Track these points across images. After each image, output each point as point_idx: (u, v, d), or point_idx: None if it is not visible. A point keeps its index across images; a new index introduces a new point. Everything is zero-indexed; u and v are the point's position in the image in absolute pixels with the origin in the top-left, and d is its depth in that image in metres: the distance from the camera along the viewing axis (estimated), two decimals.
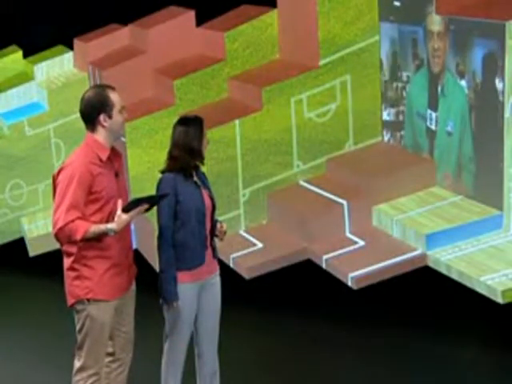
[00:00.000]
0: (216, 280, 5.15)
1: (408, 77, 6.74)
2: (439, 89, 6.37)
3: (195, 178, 5.01)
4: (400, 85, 6.85)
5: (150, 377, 5.73)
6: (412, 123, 6.76)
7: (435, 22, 6.25)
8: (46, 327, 7.22)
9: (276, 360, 6.44)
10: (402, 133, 6.91)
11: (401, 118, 6.91)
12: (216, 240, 5.14)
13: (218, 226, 5.09)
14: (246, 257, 6.48)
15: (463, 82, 6.04)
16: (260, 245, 6.59)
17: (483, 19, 5.77)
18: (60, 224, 4.52)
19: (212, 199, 5.07)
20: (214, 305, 5.14)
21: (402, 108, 6.89)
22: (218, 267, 5.17)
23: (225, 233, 5.12)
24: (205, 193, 5.03)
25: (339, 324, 6.88)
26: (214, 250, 5.10)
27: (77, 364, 4.81)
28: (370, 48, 6.86)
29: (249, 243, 6.63)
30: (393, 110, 6.94)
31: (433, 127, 6.50)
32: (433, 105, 6.48)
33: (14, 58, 9.23)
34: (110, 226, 4.55)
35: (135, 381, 5.29)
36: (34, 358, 6.64)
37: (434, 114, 6.47)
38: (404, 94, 6.82)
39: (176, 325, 5.00)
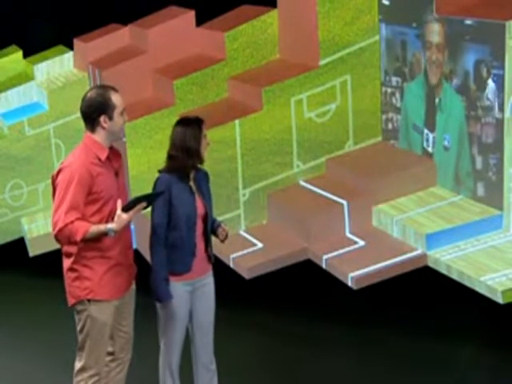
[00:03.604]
0: (209, 280, 5.14)
1: (398, 82, 6.74)
2: (436, 101, 6.36)
3: (191, 183, 5.00)
4: (389, 90, 6.85)
5: (150, 376, 5.74)
6: (407, 134, 6.75)
7: (434, 32, 6.23)
8: (46, 327, 7.22)
9: (276, 360, 6.44)
10: (392, 142, 6.91)
11: (390, 125, 6.91)
12: (214, 240, 5.12)
13: (220, 229, 5.07)
14: (245, 257, 6.48)
15: (458, 86, 6.06)
16: (260, 245, 6.59)
17: (482, 19, 5.77)
18: (60, 225, 4.51)
19: (205, 206, 5.03)
20: (207, 304, 5.13)
21: (391, 115, 6.89)
22: (210, 268, 5.15)
23: (226, 235, 5.11)
24: (199, 199, 5.00)
25: (339, 324, 6.88)
26: (209, 256, 5.08)
27: (78, 364, 4.81)
28: (370, 48, 6.86)
29: (249, 243, 6.62)
30: (382, 117, 6.95)
31: (429, 149, 6.49)
32: (430, 123, 6.46)
33: (14, 57, 9.23)
34: (110, 226, 4.55)
35: (134, 380, 5.29)
36: (34, 358, 6.63)
37: (430, 135, 6.46)
38: (393, 100, 6.82)
39: (169, 323, 5.01)
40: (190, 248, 4.96)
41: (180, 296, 4.97)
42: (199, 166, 5.06)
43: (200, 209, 4.99)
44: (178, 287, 4.96)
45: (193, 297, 5.06)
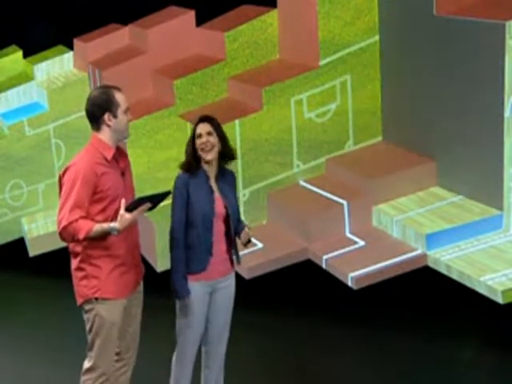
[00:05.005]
0: (229, 283, 5.12)
1: None
2: None
3: (211, 183, 4.98)
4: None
5: (154, 377, 5.75)
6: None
7: None
8: (46, 327, 7.22)
9: (276, 360, 6.43)
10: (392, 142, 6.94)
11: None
12: (239, 242, 5.08)
13: (243, 233, 5.00)
14: (246, 257, 6.45)
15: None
16: (260, 245, 6.59)
17: (482, 19, 5.77)
18: (64, 223, 4.54)
19: (226, 207, 4.98)
20: (224, 306, 5.12)
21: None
22: (231, 269, 5.12)
23: (249, 240, 5.04)
24: (219, 199, 4.97)
25: (339, 324, 6.88)
26: (231, 258, 5.05)
27: (86, 364, 4.82)
28: (370, 48, 6.86)
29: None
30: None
31: None
32: None
33: (14, 57, 9.23)
34: (113, 225, 4.56)
35: (139, 381, 5.29)
36: (34, 358, 6.63)
37: None
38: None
39: (186, 323, 5.00)
40: (206, 247, 4.94)
41: (198, 296, 4.96)
42: (225, 166, 5.04)
43: (219, 208, 4.96)
44: (197, 287, 4.95)
45: (211, 298, 5.05)
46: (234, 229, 5.02)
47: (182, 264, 4.91)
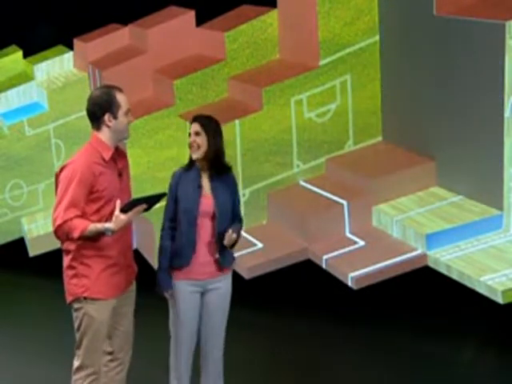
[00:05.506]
0: (221, 284, 5.07)
1: None
2: None
3: (203, 181, 4.98)
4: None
5: (151, 377, 5.74)
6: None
7: None
8: (45, 327, 7.22)
9: (276, 360, 6.43)
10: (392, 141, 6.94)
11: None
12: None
13: (227, 233, 4.88)
14: (246, 257, 6.48)
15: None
16: (260, 245, 6.60)
17: (482, 19, 5.77)
18: (58, 221, 4.54)
19: (214, 206, 4.93)
20: (217, 308, 5.09)
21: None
22: (224, 271, 5.05)
23: (234, 241, 4.95)
24: (208, 198, 4.95)
25: (339, 324, 6.88)
26: (217, 258, 4.98)
27: (75, 363, 4.82)
28: (370, 48, 6.86)
29: (249, 243, 6.62)
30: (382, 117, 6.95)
31: None
32: None
33: (14, 57, 9.23)
34: (108, 225, 4.56)
35: (135, 381, 5.29)
36: (34, 358, 6.63)
37: None
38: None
39: (176, 321, 5.03)
40: (189, 243, 4.94)
41: (184, 294, 4.98)
42: (223, 168, 5.02)
43: (205, 206, 4.94)
44: (182, 285, 4.97)
45: (203, 299, 5.06)
46: (223, 230, 4.93)
47: (166, 257, 4.98)
